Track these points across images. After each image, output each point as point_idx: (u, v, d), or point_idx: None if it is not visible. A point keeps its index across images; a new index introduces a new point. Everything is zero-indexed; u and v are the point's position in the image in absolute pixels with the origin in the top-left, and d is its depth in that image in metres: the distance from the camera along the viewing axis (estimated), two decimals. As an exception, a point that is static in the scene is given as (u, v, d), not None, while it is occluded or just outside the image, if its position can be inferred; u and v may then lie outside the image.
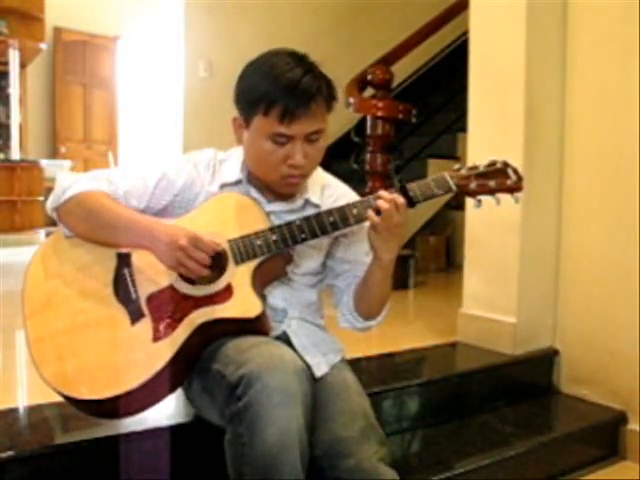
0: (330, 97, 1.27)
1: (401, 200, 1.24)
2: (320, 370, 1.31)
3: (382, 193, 1.25)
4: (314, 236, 1.27)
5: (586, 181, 2.17)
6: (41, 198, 5.76)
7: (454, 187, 1.29)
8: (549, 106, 2.19)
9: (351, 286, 1.41)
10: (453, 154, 4.34)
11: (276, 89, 1.20)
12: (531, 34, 2.10)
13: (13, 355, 2.04)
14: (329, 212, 1.27)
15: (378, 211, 1.24)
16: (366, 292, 1.37)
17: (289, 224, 1.26)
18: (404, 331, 2.51)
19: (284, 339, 1.31)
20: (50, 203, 1.31)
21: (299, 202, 1.37)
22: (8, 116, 6.49)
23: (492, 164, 1.32)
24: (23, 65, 6.65)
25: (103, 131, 7.82)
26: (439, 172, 1.30)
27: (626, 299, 2.05)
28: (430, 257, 4.25)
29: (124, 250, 1.28)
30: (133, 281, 1.26)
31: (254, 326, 1.23)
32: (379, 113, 3.27)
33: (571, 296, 2.22)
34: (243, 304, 1.22)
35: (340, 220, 1.27)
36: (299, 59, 1.25)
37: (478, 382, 2.08)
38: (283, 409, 1.06)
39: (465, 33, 2.75)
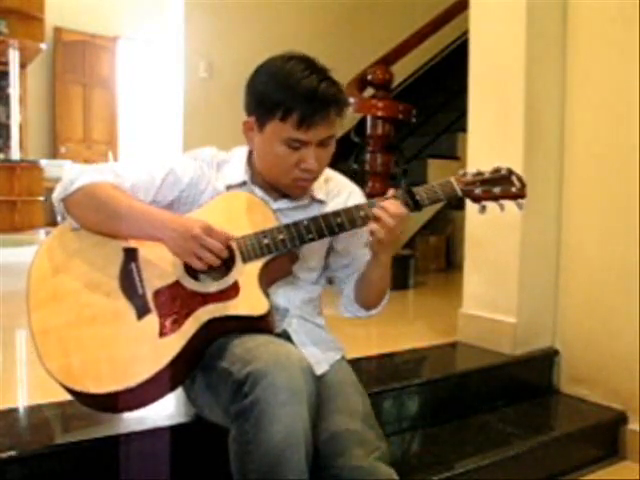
0: (343, 103, 1.28)
1: (404, 212, 1.26)
2: (320, 368, 1.32)
3: (386, 205, 1.26)
4: (321, 236, 1.28)
5: (586, 181, 2.17)
6: (41, 198, 5.76)
7: (460, 192, 1.31)
8: (549, 106, 2.19)
9: (350, 278, 1.44)
10: (453, 154, 4.34)
11: (294, 96, 1.22)
12: (531, 34, 2.10)
13: (13, 355, 2.04)
14: (337, 213, 1.28)
15: (379, 221, 1.25)
16: (366, 287, 1.40)
17: (297, 224, 1.27)
18: (404, 331, 2.50)
19: (284, 337, 1.32)
20: (57, 194, 1.31)
21: (305, 199, 1.38)
22: (8, 116, 6.50)
23: (497, 171, 1.34)
24: (23, 65, 6.65)
25: (103, 131, 7.82)
26: (443, 172, 1.31)
27: (626, 299, 2.05)
28: (430, 257, 4.25)
29: (131, 244, 1.28)
30: (140, 276, 1.26)
31: (260, 324, 1.24)
32: (379, 113, 3.27)
33: (571, 296, 2.22)
34: (250, 302, 1.23)
35: (347, 221, 1.28)
36: (312, 65, 1.26)
37: (478, 382, 2.07)
38: (289, 407, 1.07)
39: (465, 33, 2.75)
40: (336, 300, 1.50)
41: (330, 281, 1.51)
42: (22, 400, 1.67)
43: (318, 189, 1.40)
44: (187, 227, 1.22)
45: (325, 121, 1.24)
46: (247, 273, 1.25)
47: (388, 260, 1.34)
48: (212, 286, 1.24)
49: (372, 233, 1.26)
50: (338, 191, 1.43)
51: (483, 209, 1.32)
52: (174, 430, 1.43)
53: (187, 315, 1.22)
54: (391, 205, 1.26)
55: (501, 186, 1.32)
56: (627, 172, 2.04)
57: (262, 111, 1.27)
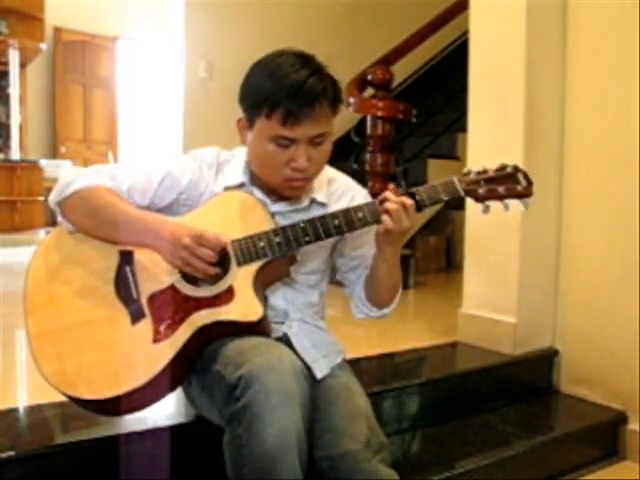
0: (335, 100, 1.25)
1: (409, 202, 1.24)
2: (321, 371, 1.31)
3: (388, 195, 1.25)
4: (318, 239, 1.25)
5: (586, 181, 2.17)
6: (41, 198, 5.76)
7: (462, 192, 1.27)
8: (549, 106, 2.19)
9: (361, 278, 1.42)
10: (453, 154, 4.34)
11: (279, 91, 1.19)
12: (531, 34, 2.10)
13: (13, 355, 2.04)
14: (334, 215, 1.26)
15: (387, 213, 1.23)
16: (375, 284, 1.38)
17: (293, 226, 1.25)
18: (404, 331, 2.50)
19: (285, 341, 1.31)
20: (53, 197, 1.31)
21: (305, 202, 1.35)
22: (8, 116, 6.50)
23: (502, 168, 1.28)
24: (23, 65, 6.65)
25: (103, 131, 7.82)
26: (443, 171, 1.28)
27: (626, 299, 2.04)
28: (430, 257, 4.25)
29: (127, 247, 1.28)
30: (135, 280, 1.26)
31: (255, 329, 1.23)
32: (379, 113, 3.27)
33: (571, 296, 2.22)
34: (244, 307, 1.22)
35: (345, 224, 1.25)
36: (305, 60, 1.24)
37: (478, 382, 2.07)
38: (281, 410, 1.06)
39: (465, 33, 2.75)
40: (337, 301, 1.49)
41: (340, 283, 1.49)
42: (22, 400, 1.67)
43: (319, 191, 1.37)
44: (178, 236, 1.20)
45: (311, 117, 1.20)
46: (242, 277, 1.23)
47: (394, 255, 1.31)
48: (206, 291, 1.23)
49: (383, 228, 1.24)
50: (342, 193, 1.40)
51: (487, 209, 1.27)
52: (174, 430, 1.43)
53: (181, 320, 1.22)
54: (392, 195, 1.24)
55: (506, 185, 1.27)
56: (627, 172, 2.04)
57: (250, 107, 1.25)
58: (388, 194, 1.25)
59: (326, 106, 1.23)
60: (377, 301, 1.41)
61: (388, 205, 1.24)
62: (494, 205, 1.29)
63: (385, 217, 1.24)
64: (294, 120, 1.19)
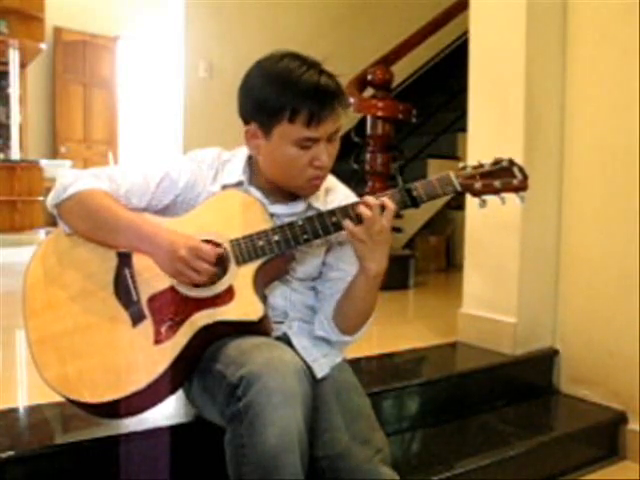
0: (344, 94, 1.27)
1: (390, 205, 1.22)
2: (321, 371, 1.31)
3: (368, 198, 1.23)
4: (316, 237, 1.25)
5: (586, 181, 2.17)
6: (41, 198, 5.76)
7: (459, 187, 1.26)
8: (549, 106, 2.19)
9: (334, 296, 1.36)
10: (453, 154, 4.34)
11: (298, 95, 1.20)
12: (531, 34, 2.10)
13: (13, 355, 2.04)
14: (332, 212, 1.26)
15: (359, 218, 1.22)
16: (347, 303, 1.34)
17: (291, 224, 1.25)
18: (404, 331, 2.51)
19: (285, 340, 1.31)
20: (50, 200, 1.31)
21: (301, 206, 1.35)
22: (8, 116, 6.49)
23: (497, 162, 1.29)
24: (23, 65, 6.65)
25: (103, 131, 7.82)
26: (443, 171, 1.28)
27: (626, 299, 2.04)
28: (430, 257, 4.25)
29: (125, 250, 1.27)
30: (134, 282, 1.25)
31: (256, 328, 1.23)
32: (379, 113, 3.27)
33: (571, 296, 2.22)
34: (245, 307, 1.22)
35: (342, 220, 1.24)
36: (305, 60, 1.25)
37: (478, 382, 2.08)
38: (283, 410, 1.06)
39: (465, 33, 2.75)
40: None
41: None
42: (22, 400, 1.67)
43: (317, 199, 1.36)
44: (174, 247, 1.19)
45: (333, 114, 1.23)
46: (242, 276, 1.23)
47: (377, 275, 1.27)
48: (206, 291, 1.23)
49: (351, 235, 1.22)
50: (338, 204, 1.35)
51: (483, 203, 1.27)
52: (174, 430, 1.43)
53: (182, 321, 1.21)
54: (371, 199, 1.23)
55: (502, 179, 1.27)
56: (627, 172, 2.04)
57: (265, 117, 1.24)
58: (367, 198, 1.24)
59: (341, 101, 1.25)
60: (342, 324, 1.35)
61: (361, 209, 1.22)
62: (493, 204, 1.29)
63: (347, 221, 1.22)
64: (318, 120, 1.21)
